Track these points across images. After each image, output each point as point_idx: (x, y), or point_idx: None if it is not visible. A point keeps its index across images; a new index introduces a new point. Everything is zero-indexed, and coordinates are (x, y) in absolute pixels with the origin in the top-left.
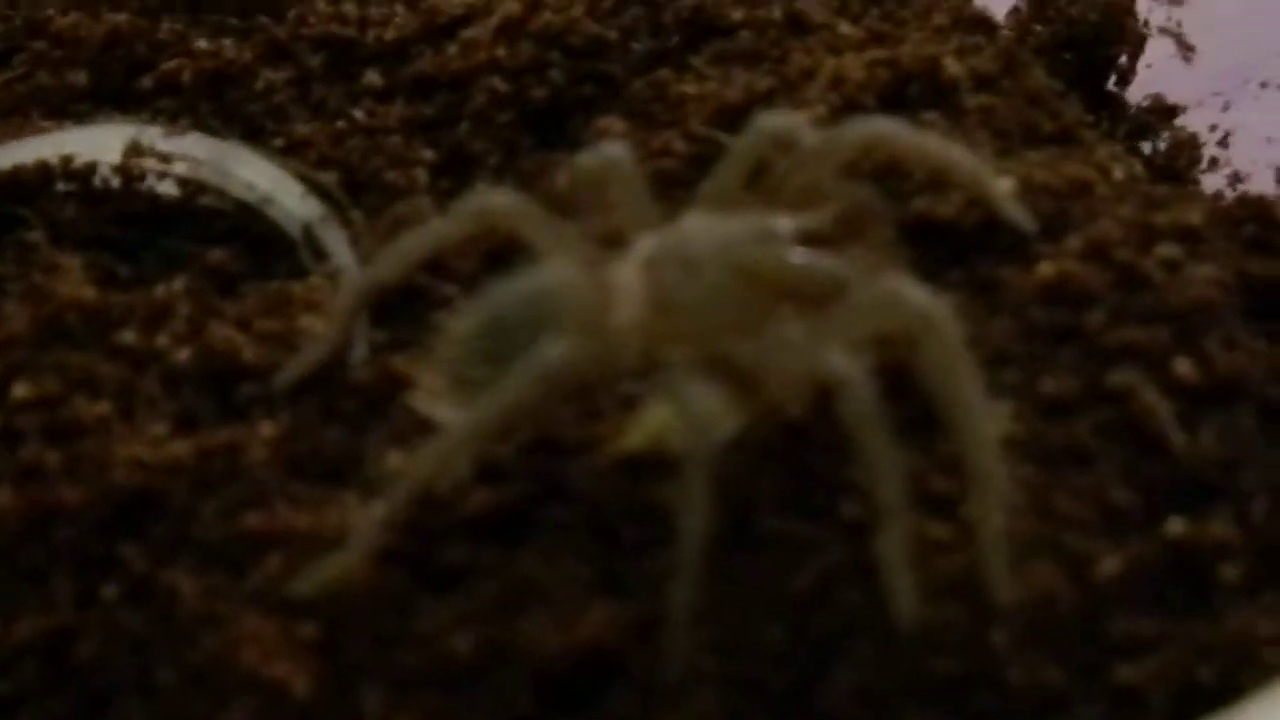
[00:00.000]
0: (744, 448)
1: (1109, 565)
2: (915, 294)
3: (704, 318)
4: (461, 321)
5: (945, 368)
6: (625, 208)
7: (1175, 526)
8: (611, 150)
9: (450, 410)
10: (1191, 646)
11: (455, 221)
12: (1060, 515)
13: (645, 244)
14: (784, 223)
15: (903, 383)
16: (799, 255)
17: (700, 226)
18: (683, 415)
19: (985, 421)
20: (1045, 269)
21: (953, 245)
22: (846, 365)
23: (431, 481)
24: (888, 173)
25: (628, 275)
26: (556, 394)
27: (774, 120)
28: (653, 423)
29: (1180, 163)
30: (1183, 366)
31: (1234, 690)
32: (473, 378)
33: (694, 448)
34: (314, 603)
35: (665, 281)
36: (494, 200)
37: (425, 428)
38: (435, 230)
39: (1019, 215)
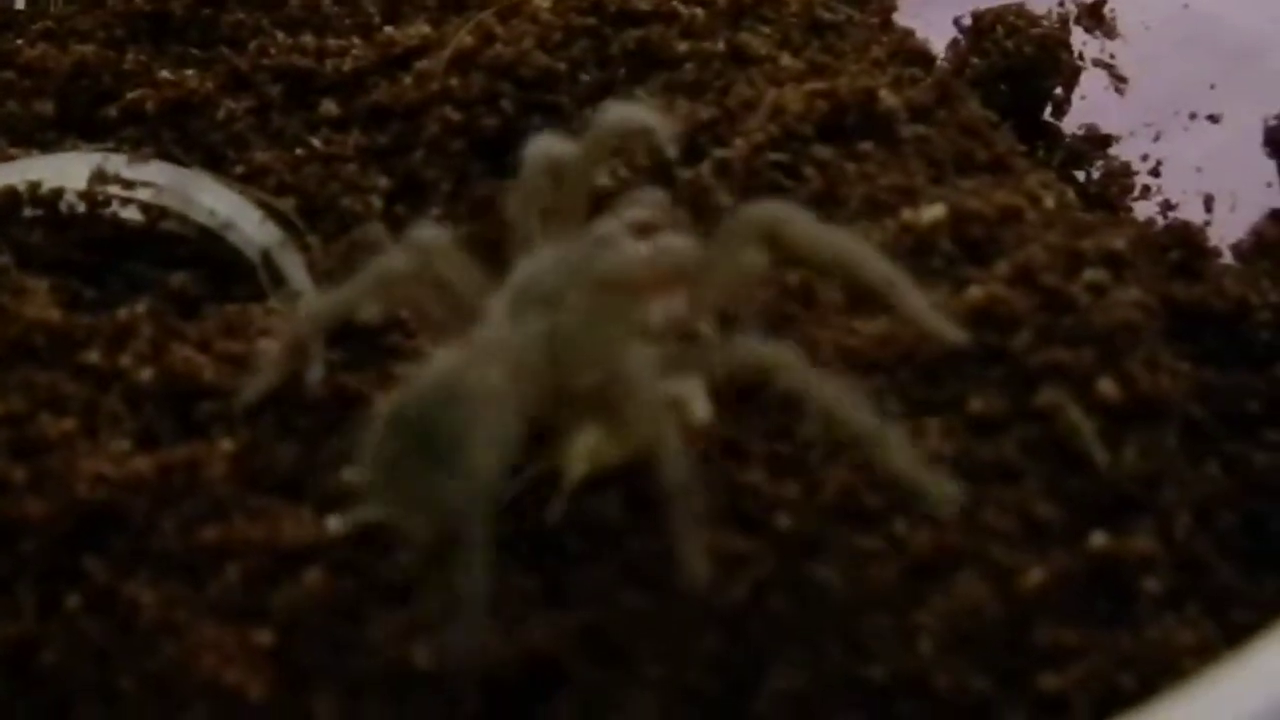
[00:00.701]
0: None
1: (1034, 577)
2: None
3: (586, 343)
4: (375, 428)
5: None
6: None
7: (1098, 540)
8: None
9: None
10: (1113, 656)
11: (400, 256)
12: (987, 529)
13: (497, 302)
14: (611, 223)
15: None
16: (639, 246)
17: (538, 262)
18: (643, 412)
19: (850, 405)
20: (974, 292)
21: None
22: (773, 349)
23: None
24: (823, 199)
25: (500, 337)
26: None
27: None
28: (585, 449)
29: (1113, 191)
30: (1106, 386)
31: (1155, 698)
32: (402, 473)
33: (661, 435)
34: (270, 611)
35: (536, 326)
36: (425, 237)
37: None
38: (382, 265)
39: (940, 326)
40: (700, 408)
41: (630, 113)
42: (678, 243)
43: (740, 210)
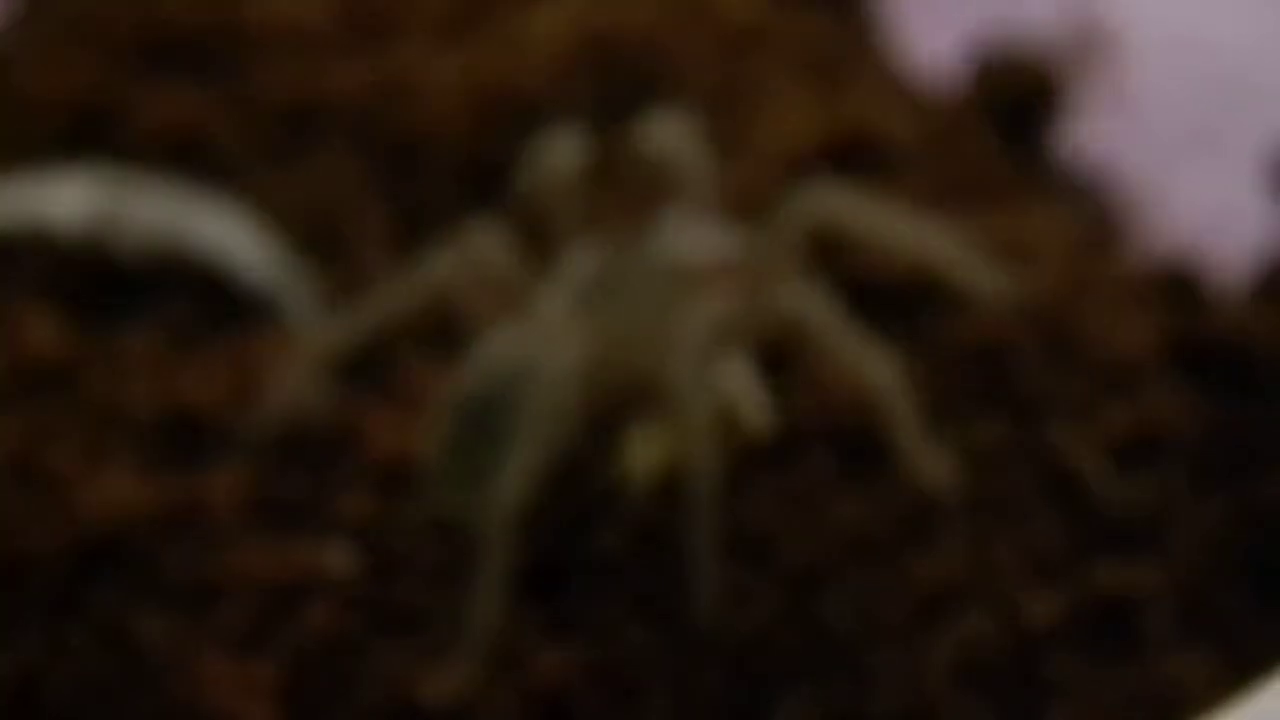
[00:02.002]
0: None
1: (1041, 612)
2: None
3: (648, 336)
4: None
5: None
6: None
7: (1106, 575)
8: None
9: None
10: (1122, 691)
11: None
12: (993, 563)
13: (554, 292)
14: (674, 218)
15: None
16: (703, 240)
17: (598, 251)
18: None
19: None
20: (979, 326)
21: (890, 305)
22: (798, 299)
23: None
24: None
25: (566, 319)
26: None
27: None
28: (648, 452)
29: (1114, 224)
30: (1113, 421)
31: None
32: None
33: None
34: (277, 645)
35: (602, 314)
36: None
37: (384, 475)
38: (393, 290)
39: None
40: (755, 410)
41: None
42: (730, 239)
43: (791, 200)
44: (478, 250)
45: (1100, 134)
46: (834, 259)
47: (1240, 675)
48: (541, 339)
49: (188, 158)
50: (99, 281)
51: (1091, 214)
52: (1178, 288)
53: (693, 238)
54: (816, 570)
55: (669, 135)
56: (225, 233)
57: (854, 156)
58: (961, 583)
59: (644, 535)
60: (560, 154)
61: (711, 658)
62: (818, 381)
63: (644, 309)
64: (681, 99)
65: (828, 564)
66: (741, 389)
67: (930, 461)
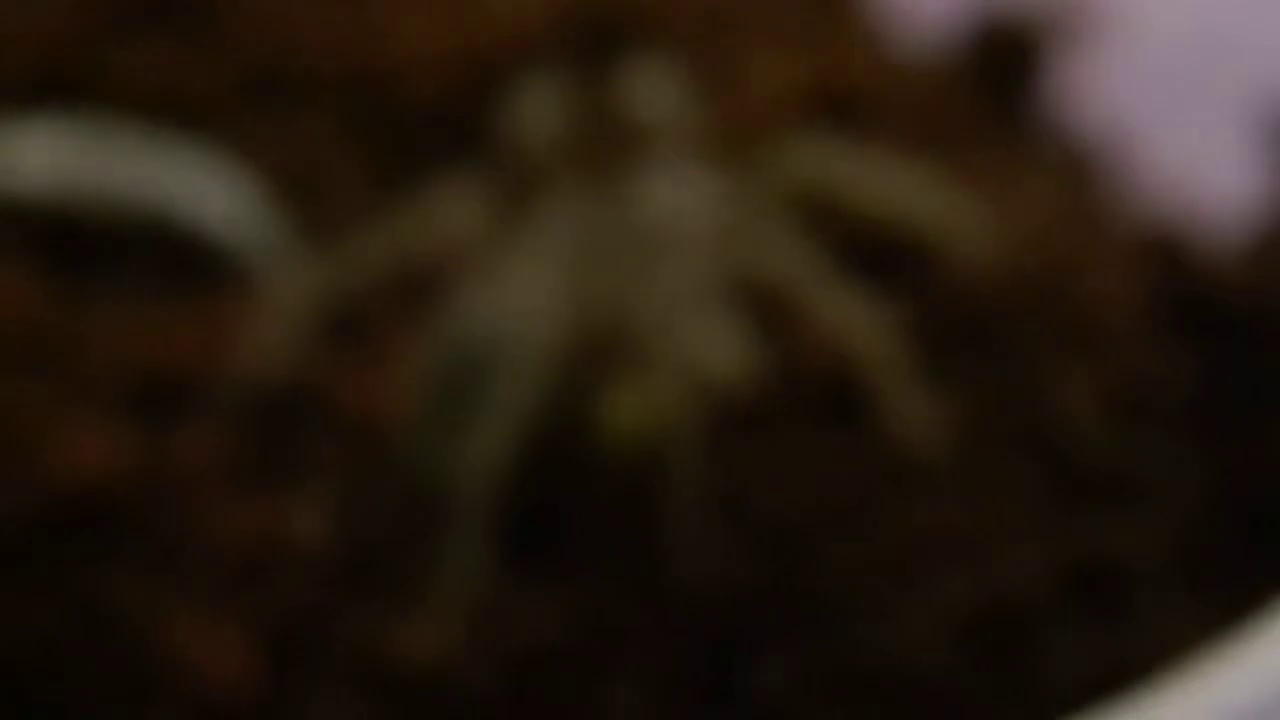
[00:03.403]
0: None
1: (1028, 572)
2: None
3: (627, 297)
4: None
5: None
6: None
7: (1094, 535)
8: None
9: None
10: (1110, 653)
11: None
12: (980, 524)
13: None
14: (653, 175)
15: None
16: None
17: (574, 211)
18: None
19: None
20: (965, 285)
21: (876, 265)
22: (781, 251)
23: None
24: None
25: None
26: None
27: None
28: (629, 410)
29: (1098, 188)
30: (1101, 380)
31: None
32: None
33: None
34: (259, 608)
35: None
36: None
37: (359, 435)
38: (365, 245)
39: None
40: (738, 365)
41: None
42: (720, 189)
43: (774, 153)
44: (451, 206)
45: (1088, 92)
46: (818, 216)
47: (1231, 632)
48: (517, 300)
49: (161, 111)
50: (68, 238)
51: (1079, 173)
52: (1167, 246)
53: (673, 193)
54: (799, 530)
55: (649, 84)
56: (198, 188)
57: (837, 115)
58: (948, 543)
59: (624, 494)
60: (538, 105)
61: (692, 617)
62: (800, 339)
63: (624, 266)
64: (662, 55)
65: (811, 523)
66: (725, 343)
67: (917, 413)
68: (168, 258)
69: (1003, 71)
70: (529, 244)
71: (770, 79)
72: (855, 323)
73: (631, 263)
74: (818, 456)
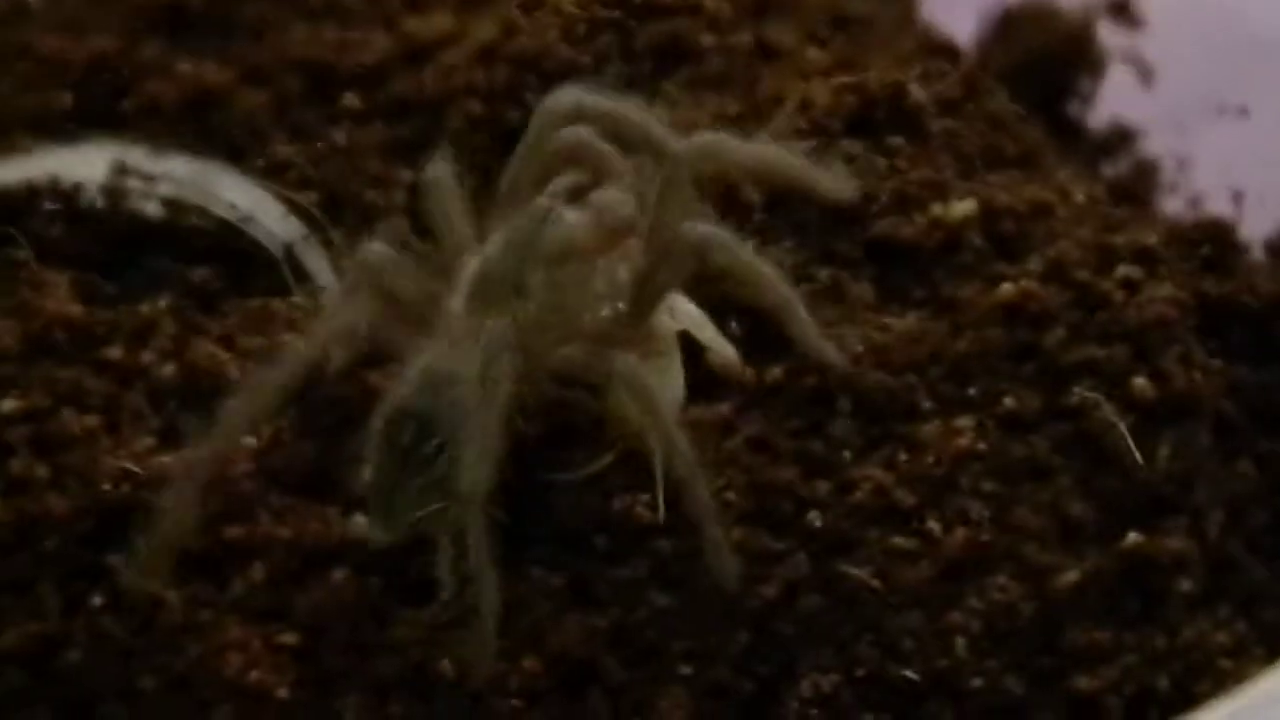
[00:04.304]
0: (710, 462)
1: (1067, 576)
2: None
3: (555, 319)
4: (370, 442)
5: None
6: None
7: (1131, 539)
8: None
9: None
10: (1147, 656)
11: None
12: (1020, 528)
13: (454, 299)
14: (542, 200)
15: (869, 402)
16: (578, 214)
17: (490, 249)
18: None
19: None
20: (1006, 289)
21: (915, 266)
22: (704, 228)
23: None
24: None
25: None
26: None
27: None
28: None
29: (1139, 186)
30: (1140, 384)
31: (1189, 699)
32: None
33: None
34: (295, 611)
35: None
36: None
37: None
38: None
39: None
40: (677, 394)
41: (575, 97)
42: (610, 196)
43: (674, 152)
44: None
45: (1124, 94)
46: (857, 225)
47: (1265, 639)
48: (457, 347)
49: (208, 122)
50: (118, 246)
51: (1118, 177)
52: (1204, 249)
53: (569, 214)
54: (840, 534)
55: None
56: (245, 198)
57: (881, 117)
58: (987, 547)
59: (665, 501)
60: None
61: (734, 621)
62: (842, 339)
63: (549, 291)
64: (706, 61)
65: (851, 527)
66: (697, 326)
67: (826, 349)
68: (216, 266)
69: (1044, 75)
70: (455, 294)
71: (815, 84)
72: (766, 273)
73: (555, 288)
74: (859, 461)
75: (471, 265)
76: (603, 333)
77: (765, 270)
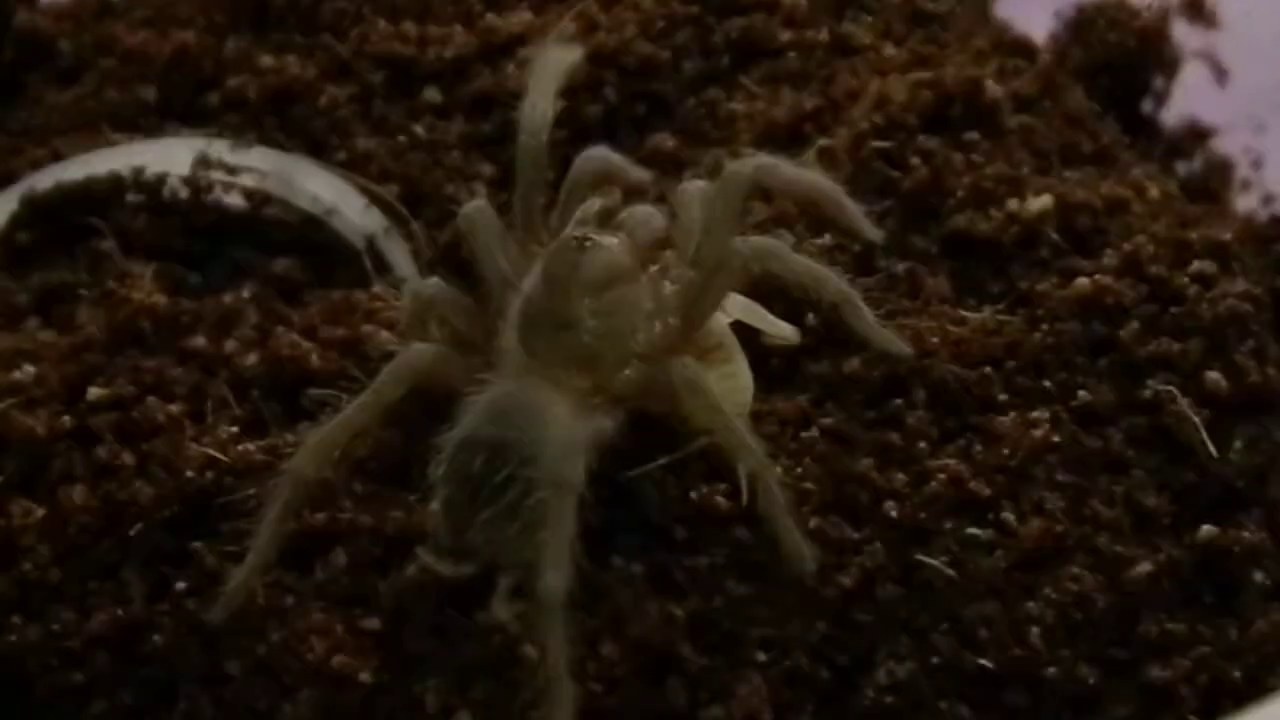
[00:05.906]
0: (787, 453)
1: (1142, 568)
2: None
3: (609, 343)
4: (438, 471)
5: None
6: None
7: (1206, 531)
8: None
9: (450, 565)
10: (1222, 647)
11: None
12: (1095, 520)
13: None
14: (577, 224)
15: (945, 394)
16: (613, 237)
17: (528, 287)
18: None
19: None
20: (1082, 283)
21: (992, 260)
22: (755, 241)
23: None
24: (929, 189)
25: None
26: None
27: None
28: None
29: (1213, 183)
30: (1214, 378)
31: (1262, 690)
32: (472, 522)
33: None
34: (377, 597)
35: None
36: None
37: None
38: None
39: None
40: (746, 387)
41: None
42: (639, 211)
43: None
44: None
45: (1198, 92)
46: (934, 220)
47: None
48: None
49: (290, 115)
50: (202, 237)
51: (1192, 174)
52: (1278, 248)
53: (602, 238)
54: (917, 524)
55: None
56: (327, 190)
57: (957, 113)
58: (1062, 538)
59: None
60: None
61: (811, 610)
62: (918, 332)
63: (600, 318)
64: (784, 56)
65: (928, 518)
66: (748, 313)
67: (891, 340)
68: (299, 259)
69: (1118, 73)
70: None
71: (892, 81)
72: (824, 277)
73: (604, 315)
74: (935, 452)
75: (515, 303)
76: (659, 349)
77: (820, 271)
